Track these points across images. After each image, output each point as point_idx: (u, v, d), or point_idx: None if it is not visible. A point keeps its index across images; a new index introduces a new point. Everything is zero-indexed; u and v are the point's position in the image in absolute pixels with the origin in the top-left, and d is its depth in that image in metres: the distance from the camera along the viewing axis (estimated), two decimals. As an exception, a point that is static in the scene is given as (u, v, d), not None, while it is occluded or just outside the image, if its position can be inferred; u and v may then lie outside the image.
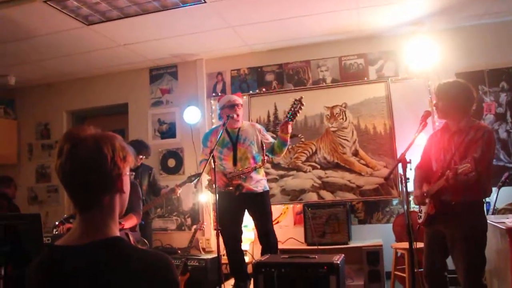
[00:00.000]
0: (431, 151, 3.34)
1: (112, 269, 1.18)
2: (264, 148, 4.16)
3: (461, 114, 3.15)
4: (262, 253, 4.12)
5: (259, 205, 4.24)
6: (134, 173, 4.85)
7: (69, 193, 1.27)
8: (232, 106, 4.23)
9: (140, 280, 1.18)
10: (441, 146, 3.23)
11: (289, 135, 4.05)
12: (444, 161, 3.17)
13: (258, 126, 4.42)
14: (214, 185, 3.88)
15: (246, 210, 4.32)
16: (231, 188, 4.15)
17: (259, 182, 4.23)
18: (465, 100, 3.14)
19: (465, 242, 3.00)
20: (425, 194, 3.25)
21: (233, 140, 4.26)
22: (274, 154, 4.28)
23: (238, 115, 4.22)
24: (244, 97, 5.51)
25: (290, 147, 5.43)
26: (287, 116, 3.94)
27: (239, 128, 4.29)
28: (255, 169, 4.14)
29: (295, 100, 3.91)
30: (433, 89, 3.35)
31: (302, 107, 3.90)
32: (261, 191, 4.24)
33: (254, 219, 4.31)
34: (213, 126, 4.40)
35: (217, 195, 3.89)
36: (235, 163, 4.21)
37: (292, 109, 3.90)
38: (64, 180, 1.26)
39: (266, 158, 4.16)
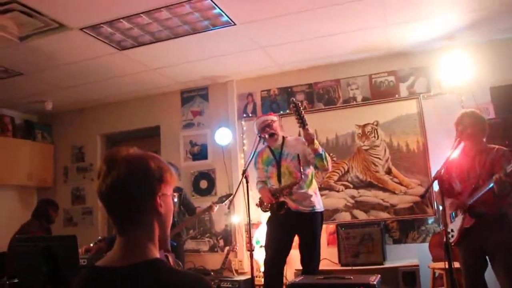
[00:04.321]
0: (451, 175, 3.58)
1: None
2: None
3: (483, 138, 3.50)
4: (302, 273, 4.02)
5: (305, 227, 4.04)
6: (176, 194, 4.86)
7: (108, 214, 1.29)
8: (263, 128, 4.19)
9: None
10: (464, 168, 3.49)
11: (314, 143, 3.84)
12: (469, 180, 3.43)
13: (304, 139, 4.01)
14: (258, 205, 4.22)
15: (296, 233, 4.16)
16: (274, 205, 4.07)
17: (306, 199, 4.03)
18: (486, 127, 3.52)
19: (508, 250, 3.21)
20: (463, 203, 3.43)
21: (277, 157, 4.17)
22: (319, 169, 4.09)
23: (271, 134, 4.16)
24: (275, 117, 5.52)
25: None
26: (299, 125, 3.82)
27: (283, 144, 4.19)
28: (293, 185, 3.98)
29: (291, 105, 3.80)
30: (462, 116, 3.54)
31: (300, 104, 3.78)
32: (308, 211, 4.02)
33: (299, 241, 4.14)
34: (257, 150, 4.24)
35: (268, 217, 4.11)
36: (279, 180, 4.11)
37: (297, 115, 3.77)
38: (102, 201, 1.28)
39: (303, 173, 3.96)
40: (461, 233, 3.38)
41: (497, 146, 3.47)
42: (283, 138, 4.26)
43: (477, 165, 3.41)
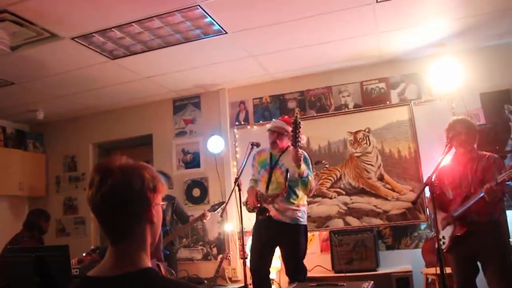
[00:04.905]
0: (444, 182, 3.61)
1: None
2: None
3: (474, 145, 3.53)
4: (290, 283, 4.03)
5: (287, 239, 4.05)
6: (165, 203, 4.86)
7: (100, 224, 1.28)
8: (271, 132, 4.21)
9: None
10: (456, 176, 3.52)
11: (300, 167, 3.76)
12: (461, 187, 3.46)
13: (303, 154, 3.93)
14: (246, 205, 4.20)
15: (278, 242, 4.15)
16: (256, 210, 4.09)
17: (288, 211, 4.03)
18: (477, 133, 3.57)
19: (500, 257, 3.25)
20: (451, 217, 3.46)
21: (272, 164, 4.17)
22: (301, 190, 4.05)
23: (272, 143, 4.16)
24: (267, 125, 5.53)
25: (314, 173, 5.39)
26: (291, 142, 3.73)
27: (282, 153, 4.17)
28: (276, 196, 3.97)
29: (292, 121, 3.70)
30: (454, 122, 3.59)
31: (300, 124, 3.64)
32: (289, 222, 4.02)
33: (281, 253, 4.14)
34: (259, 149, 4.31)
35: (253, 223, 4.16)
36: (267, 186, 4.13)
37: (293, 132, 3.67)
38: (95, 211, 1.27)
39: (288, 186, 3.93)
40: (452, 240, 3.41)
41: (488, 153, 3.50)
42: (287, 147, 4.15)
43: (469, 173, 3.45)
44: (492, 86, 5.05)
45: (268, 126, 4.34)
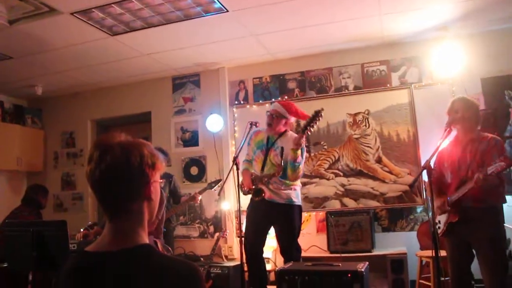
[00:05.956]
0: (443, 165, 3.52)
1: (143, 277, 1.19)
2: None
3: (475, 126, 3.41)
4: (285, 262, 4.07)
5: (282, 219, 4.09)
6: (164, 181, 4.87)
7: (98, 200, 1.29)
8: (268, 116, 4.21)
9: None
10: (455, 158, 3.41)
11: (297, 152, 3.82)
12: (460, 170, 3.35)
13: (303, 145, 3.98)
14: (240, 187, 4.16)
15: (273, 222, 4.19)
16: (252, 192, 4.11)
17: (282, 191, 4.06)
18: (479, 114, 3.45)
19: (491, 243, 3.18)
20: (447, 202, 3.37)
21: (268, 145, 4.18)
22: (286, 175, 4.00)
23: (268, 124, 4.16)
24: (266, 105, 5.55)
25: (312, 154, 5.45)
26: (302, 128, 3.84)
27: (280, 135, 4.17)
28: (272, 176, 4.00)
29: (314, 112, 3.80)
30: (452, 102, 3.49)
31: (320, 119, 3.79)
32: (283, 202, 4.05)
33: (276, 233, 4.18)
34: (258, 128, 4.33)
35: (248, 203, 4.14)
36: (262, 168, 4.15)
37: (308, 121, 3.79)
38: (93, 187, 1.27)
39: (282, 167, 3.96)
40: (447, 227, 3.38)
41: (490, 135, 3.37)
42: (285, 131, 4.22)
43: (468, 155, 3.33)
44: (493, 71, 5.03)
45: (269, 107, 4.31)
